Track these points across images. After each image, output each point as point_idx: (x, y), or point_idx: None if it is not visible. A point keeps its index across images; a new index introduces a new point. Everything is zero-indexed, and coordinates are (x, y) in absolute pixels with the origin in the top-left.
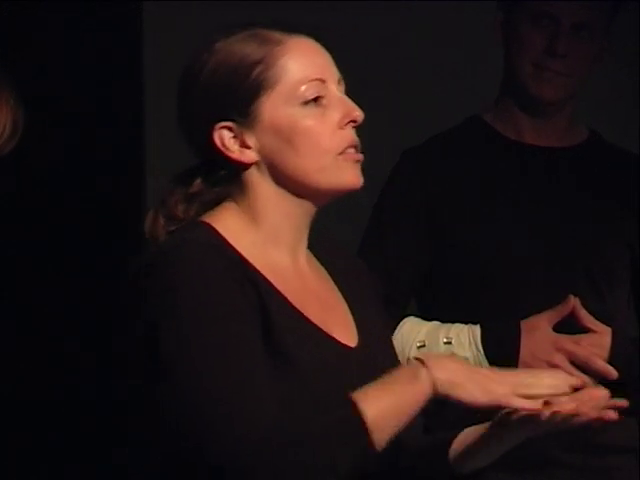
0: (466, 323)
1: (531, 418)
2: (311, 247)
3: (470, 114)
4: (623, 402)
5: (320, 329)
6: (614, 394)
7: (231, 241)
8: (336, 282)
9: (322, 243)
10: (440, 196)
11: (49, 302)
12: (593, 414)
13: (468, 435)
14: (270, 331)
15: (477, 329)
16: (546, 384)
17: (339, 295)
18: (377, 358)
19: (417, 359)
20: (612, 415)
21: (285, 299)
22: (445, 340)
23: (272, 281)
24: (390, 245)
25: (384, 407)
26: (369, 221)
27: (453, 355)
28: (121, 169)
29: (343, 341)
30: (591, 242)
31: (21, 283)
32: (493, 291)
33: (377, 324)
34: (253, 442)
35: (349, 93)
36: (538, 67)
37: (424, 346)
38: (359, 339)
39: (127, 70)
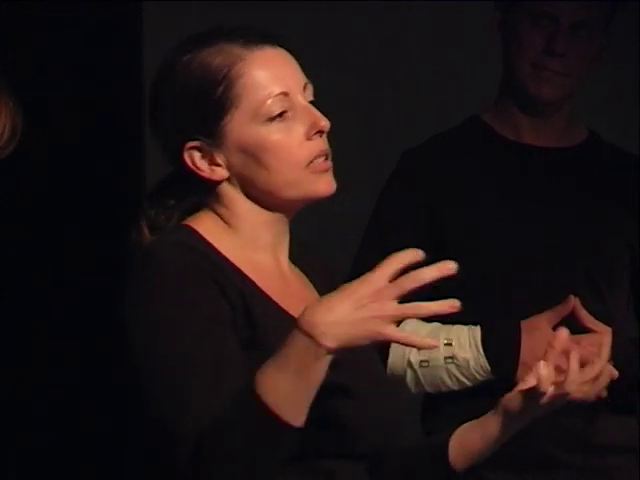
0: (466, 323)
1: (532, 394)
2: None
3: (470, 114)
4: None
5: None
6: (614, 394)
7: (213, 243)
8: (313, 284)
9: (296, 246)
10: (440, 196)
11: (49, 303)
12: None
13: (466, 431)
14: (254, 330)
15: (477, 330)
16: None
17: (318, 297)
18: (357, 356)
19: (296, 324)
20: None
21: (269, 298)
22: (445, 341)
23: (255, 280)
24: (390, 245)
25: (281, 383)
26: (369, 221)
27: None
28: (121, 169)
29: None
30: (591, 242)
31: (20, 283)
32: (493, 291)
33: None
34: (187, 446)
35: (351, 93)
36: (537, 67)
37: None
38: None
39: (127, 70)
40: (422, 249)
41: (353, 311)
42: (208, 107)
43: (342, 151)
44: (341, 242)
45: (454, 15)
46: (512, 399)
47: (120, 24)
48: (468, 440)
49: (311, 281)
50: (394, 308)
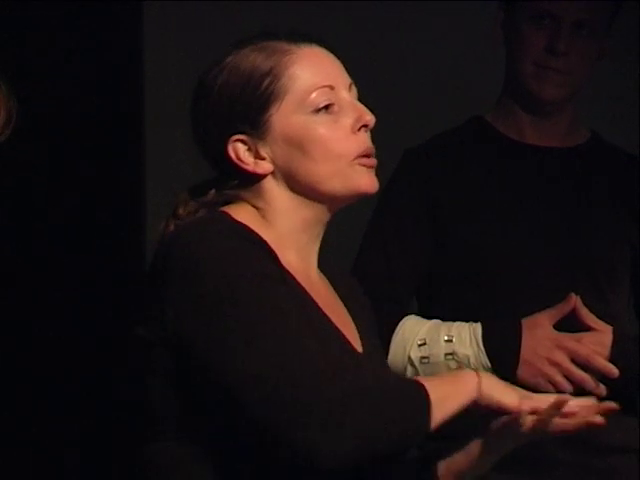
0: (467, 322)
1: (514, 423)
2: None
3: (472, 114)
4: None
5: (339, 330)
6: (615, 392)
7: (252, 228)
8: (338, 294)
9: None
10: (441, 196)
11: (49, 303)
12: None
13: (455, 461)
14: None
15: (478, 327)
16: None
17: (343, 306)
18: (380, 366)
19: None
20: (599, 420)
21: (307, 294)
22: (446, 338)
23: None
24: (391, 244)
25: (443, 393)
26: (370, 220)
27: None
28: (121, 169)
29: (355, 345)
30: (592, 241)
31: (20, 284)
32: (494, 290)
33: (375, 339)
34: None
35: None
36: (539, 66)
37: (425, 344)
38: (363, 347)
39: (127, 70)
40: (423, 248)
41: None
42: (254, 99)
43: None
44: (342, 242)
45: (456, 15)
46: (496, 425)
47: (120, 24)
48: (453, 462)
49: (335, 287)
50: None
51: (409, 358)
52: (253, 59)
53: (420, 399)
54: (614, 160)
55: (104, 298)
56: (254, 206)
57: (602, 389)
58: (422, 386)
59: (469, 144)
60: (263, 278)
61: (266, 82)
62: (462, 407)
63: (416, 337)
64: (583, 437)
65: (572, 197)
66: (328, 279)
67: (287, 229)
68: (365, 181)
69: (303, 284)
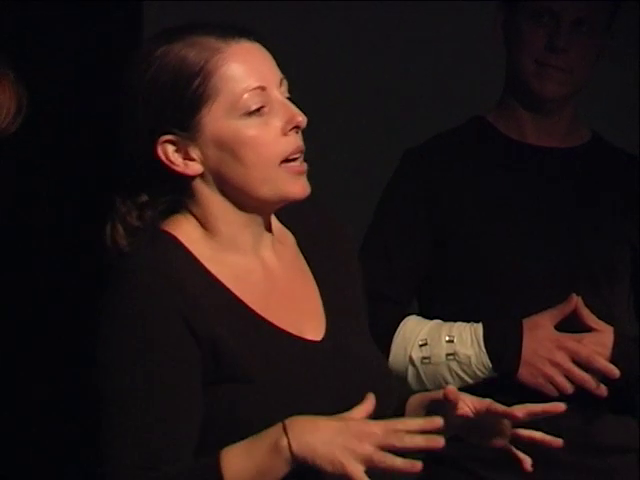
0: (468, 322)
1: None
2: (280, 215)
3: (473, 114)
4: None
5: (281, 330)
6: (615, 393)
7: (191, 249)
8: (306, 255)
9: (299, 206)
10: (442, 196)
11: (50, 303)
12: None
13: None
14: (223, 366)
15: (479, 327)
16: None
17: (309, 279)
18: (349, 345)
19: (283, 424)
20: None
21: (245, 308)
22: (447, 338)
23: (231, 287)
24: (392, 245)
25: (243, 471)
26: (371, 221)
27: (328, 423)
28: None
29: (311, 336)
30: (592, 242)
31: (21, 284)
32: (494, 290)
33: (350, 304)
34: None
35: (353, 93)
36: (539, 64)
37: (426, 344)
38: (328, 330)
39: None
40: (424, 249)
41: (333, 434)
42: (184, 100)
43: (344, 151)
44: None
45: (456, 15)
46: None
47: (120, 24)
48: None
49: (304, 243)
50: (371, 452)
51: (410, 358)
52: (183, 56)
53: None
54: (614, 161)
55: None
56: (194, 214)
57: (603, 389)
58: (217, 476)
59: (470, 144)
60: (148, 353)
61: (196, 83)
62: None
63: (417, 337)
64: (583, 437)
65: (572, 197)
66: (296, 237)
67: (228, 233)
68: (294, 188)
69: (254, 284)
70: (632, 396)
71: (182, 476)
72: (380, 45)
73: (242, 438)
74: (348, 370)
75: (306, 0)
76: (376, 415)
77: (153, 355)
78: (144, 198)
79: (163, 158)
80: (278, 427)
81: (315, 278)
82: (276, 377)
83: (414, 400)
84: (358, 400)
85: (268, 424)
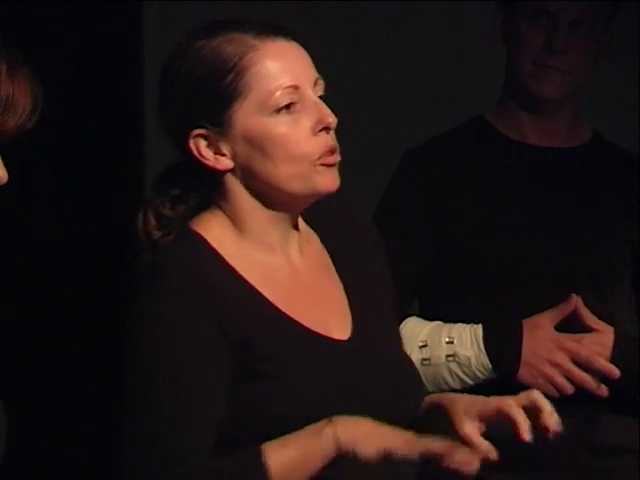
0: (468, 323)
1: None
2: (305, 213)
3: (473, 114)
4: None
5: (309, 329)
6: (616, 393)
7: (220, 250)
8: (331, 253)
9: (325, 204)
10: (442, 196)
11: (50, 303)
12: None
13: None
14: (254, 362)
15: (479, 328)
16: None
17: (334, 278)
18: (376, 344)
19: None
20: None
21: (274, 308)
22: (447, 340)
23: (259, 287)
24: (392, 245)
25: (287, 459)
26: (371, 221)
27: (368, 420)
28: (121, 169)
29: (337, 335)
30: (593, 242)
31: (21, 283)
32: (494, 291)
33: (377, 303)
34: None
35: (352, 94)
36: (538, 65)
37: (426, 346)
38: (354, 329)
39: (127, 70)
40: (424, 249)
41: (375, 426)
42: (217, 95)
43: (344, 151)
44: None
45: (456, 15)
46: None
47: (120, 24)
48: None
49: (330, 241)
50: (404, 446)
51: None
52: (218, 52)
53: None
54: (615, 160)
55: (104, 297)
56: (223, 210)
57: (603, 390)
58: (261, 460)
59: (469, 144)
60: (177, 353)
61: (229, 78)
62: (317, 468)
63: (417, 339)
64: (584, 438)
65: (573, 197)
66: (320, 237)
67: (257, 230)
68: (324, 181)
69: (281, 282)
70: (632, 396)
71: (225, 466)
72: (380, 45)
73: (272, 437)
74: (375, 369)
75: (306, 0)
76: (404, 416)
77: (183, 355)
78: (176, 191)
79: (195, 152)
80: (323, 420)
81: (340, 277)
82: (306, 376)
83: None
84: (386, 400)
85: (298, 422)
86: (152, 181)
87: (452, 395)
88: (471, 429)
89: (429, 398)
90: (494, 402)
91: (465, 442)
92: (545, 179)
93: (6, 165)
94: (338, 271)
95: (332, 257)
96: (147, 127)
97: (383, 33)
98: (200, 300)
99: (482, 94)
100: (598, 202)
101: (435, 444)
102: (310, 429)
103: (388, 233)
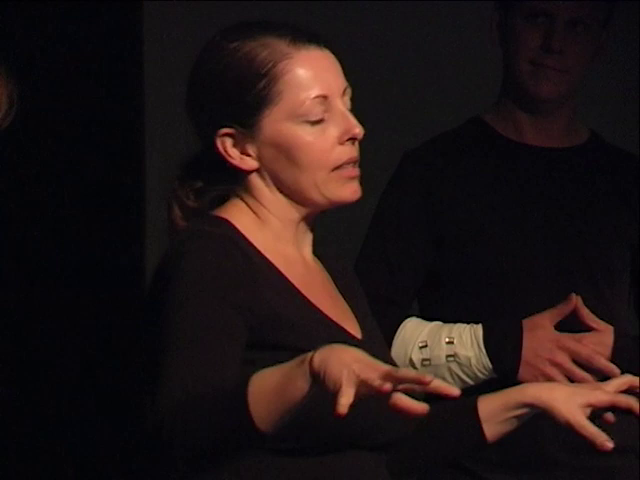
0: (468, 323)
1: None
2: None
3: (471, 115)
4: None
5: (331, 319)
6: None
7: (247, 235)
8: (334, 280)
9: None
10: (441, 197)
11: (51, 303)
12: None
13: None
14: (280, 321)
15: (479, 328)
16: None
17: (339, 292)
18: (379, 352)
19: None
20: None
21: (299, 291)
22: (447, 340)
23: (286, 273)
24: (392, 246)
25: (270, 384)
26: (371, 222)
27: (351, 349)
28: (121, 168)
29: (352, 332)
30: (592, 242)
31: (22, 282)
32: (494, 291)
33: (373, 322)
34: (165, 412)
35: (351, 94)
36: (535, 64)
37: (426, 346)
38: (362, 332)
39: (127, 70)
40: (424, 250)
41: (352, 360)
42: (248, 98)
43: None
44: (343, 243)
45: (456, 15)
46: None
47: (120, 24)
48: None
49: (328, 267)
50: (372, 372)
51: (410, 360)
52: (253, 56)
53: (237, 402)
54: (614, 160)
55: (104, 296)
56: (247, 203)
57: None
58: (244, 389)
59: (468, 145)
60: (209, 308)
61: (261, 84)
62: (301, 397)
63: (417, 339)
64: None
65: (571, 197)
66: (325, 267)
67: (279, 226)
68: (345, 192)
69: (301, 275)
70: (632, 396)
71: (213, 390)
72: (380, 45)
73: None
74: None
75: (306, 0)
76: (403, 422)
77: (213, 314)
78: (200, 184)
79: (221, 150)
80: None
81: (343, 296)
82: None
83: (489, 404)
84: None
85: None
86: (177, 172)
87: (536, 387)
88: (585, 420)
89: (491, 400)
90: (603, 395)
91: (577, 432)
92: (543, 179)
93: (5, 164)
94: (341, 293)
95: (335, 282)
96: (147, 127)
97: (381, 33)
98: (234, 267)
99: (480, 94)
100: (596, 202)
101: (409, 372)
102: (298, 357)
103: (387, 234)
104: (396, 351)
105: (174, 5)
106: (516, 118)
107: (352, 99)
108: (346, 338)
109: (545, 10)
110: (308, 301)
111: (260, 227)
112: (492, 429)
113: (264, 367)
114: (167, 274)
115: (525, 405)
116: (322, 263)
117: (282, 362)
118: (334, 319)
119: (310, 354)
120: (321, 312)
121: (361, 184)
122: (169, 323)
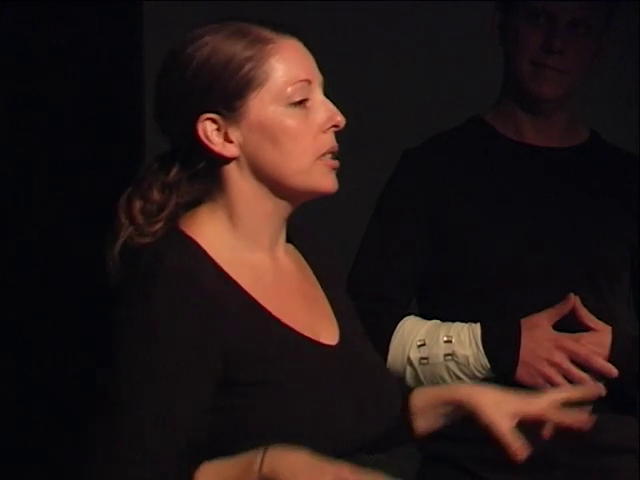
0: (466, 322)
1: None
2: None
3: (471, 114)
4: None
5: (301, 335)
6: (614, 393)
7: (211, 253)
8: (312, 267)
9: (292, 230)
10: (440, 196)
11: (52, 302)
12: None
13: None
14: (243, 357)
15: (477, 327)
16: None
17: (316, 284)
18: (359, 350)
19: (265, 448)
20: None
21: (265, 311)
22: (445, 339)
23: (250, 290)
24: (391, 245)
25: None
26: (370, 221)
27: (303, 454)
28: (121, 168)
29: (326, 340)
30: (591, 241)
31: (22, 282)
32: (493, 290)
33: (351, 310)
34: None
35: (351, 93)
36: (536, 65)
37: (424, 345)
38: (341, 334)
39: (127, 70)
40: (423, 249)
41: (303, 467)
42: (234, 82)
43: (343, 151)
44: (342, 243)
45: (456, 15)
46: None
47: (120, 24)
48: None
49: (311, 266)
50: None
51: (408, 359)
52: (235, 42)
53: None
54: (614, 160)
55: (104, 296)
56: (218, 202)
57: (601, 389)
58: None
59: (468, 144)
60: (161, 354)
61: (247, 67)
62: None
63: (415, 338)
64: (583, 437)
65: (571, 197)
66: (304, 256)
67: (250, 228)
68: (325, 182)
69: (272, 285)
70: (631, 395)
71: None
72: (380, 45)
73: (255, 445)
74: (362, 375)
75: (306, 0)
76: (385, 419)
77: (167, 357)
78: (170, 179)
79: (202, 136)
80: (259, 450)
81: (322, 287)
82: (295, 381)
83: (423, 397)
84: (370, 405)
85: (282, 429)
86: (146, 163)
87: (468, 387)
88: (509, 428)
89: (425, 393)
90: (533, 407)
91: (495, 438)
92: (543, 179)
93: (5, 164)
94: (319, 282)
95: (312, 269)
96: (147, 126)
97: (382, 33)
98: (192, 304)
99: (480, 94)
100: (596, 201)
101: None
102: (244, 458)
103: (386, 232)
104: (394, 349)
105: (174, 5)
106: (516, 118)
107: (353, 99)
108: (318, 352)
109: (546, 10)
110: (275, 320)
111: (230, 236)
112: (421, 423)
113: (232, 414)
114: (122, 312)
115: (454, 402)
116: (297, 245)
117: (250, 403)
118: (305, 332)
119: (258, 458)
120: (289, 329)
121: (361, 183)
122: (116, 378)
